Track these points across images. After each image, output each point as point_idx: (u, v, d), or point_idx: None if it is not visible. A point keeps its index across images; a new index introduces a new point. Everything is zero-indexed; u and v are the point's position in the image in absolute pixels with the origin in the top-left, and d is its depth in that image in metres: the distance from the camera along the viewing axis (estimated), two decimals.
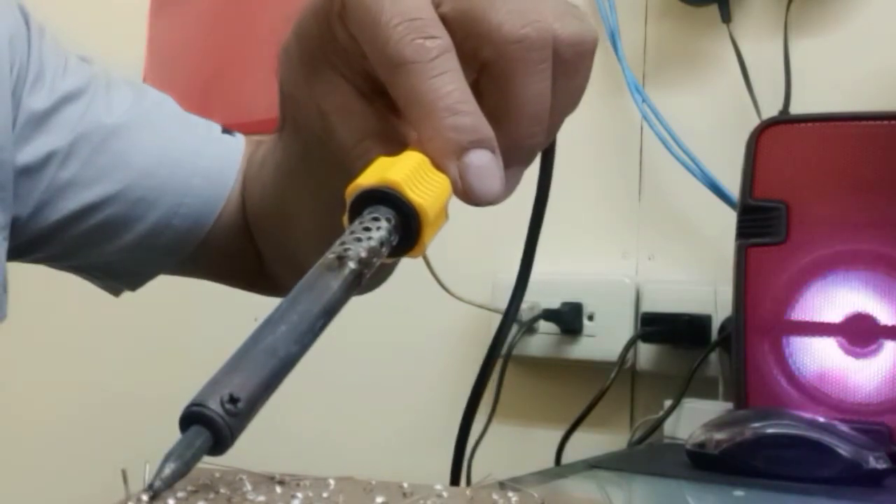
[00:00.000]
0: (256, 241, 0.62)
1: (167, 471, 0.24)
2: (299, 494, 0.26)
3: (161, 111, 0.63)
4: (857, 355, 0.76)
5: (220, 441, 0.24)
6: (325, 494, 0.27)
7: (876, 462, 0.64)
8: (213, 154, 0.62)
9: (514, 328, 1.01)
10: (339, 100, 0.37)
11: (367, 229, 0.28)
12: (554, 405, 1.04)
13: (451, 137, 0.31)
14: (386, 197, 0.29)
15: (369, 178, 0.30)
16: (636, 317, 1.00)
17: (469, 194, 0.32)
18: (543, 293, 1.02)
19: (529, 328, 1.02)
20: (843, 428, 0.67)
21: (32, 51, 0.58)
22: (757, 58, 0.98)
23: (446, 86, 0.32)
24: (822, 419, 0.68)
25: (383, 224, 0.28)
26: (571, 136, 1.10)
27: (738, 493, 0.60)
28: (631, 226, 1.05)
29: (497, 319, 1.02)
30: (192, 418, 0.24)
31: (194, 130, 0.63)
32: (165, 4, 1.41)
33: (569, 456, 0.95)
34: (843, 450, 0.64)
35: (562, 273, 1.05)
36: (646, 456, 0.84)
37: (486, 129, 0.32)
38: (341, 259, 0.26)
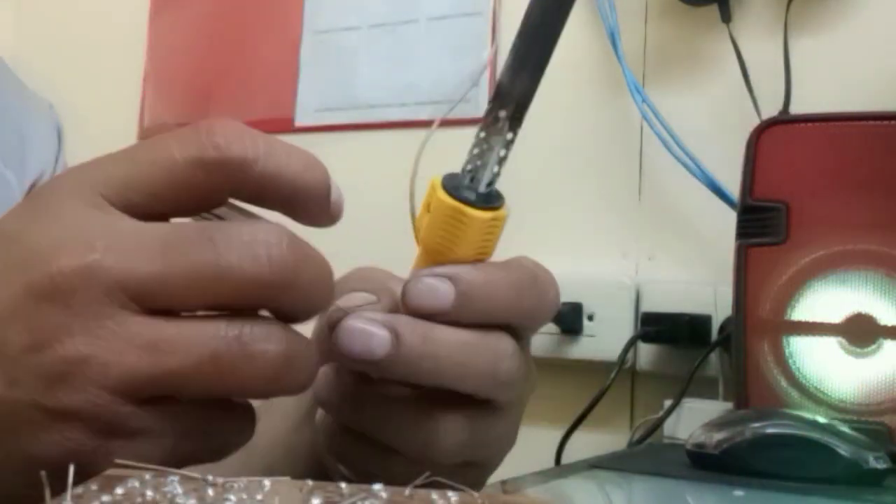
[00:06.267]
0: None
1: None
2: (232, 497, 0.26)
3: None
4: (857, 355, 0.76)
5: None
6: (258, 497, 0.26)
7: (876, 462, 0.64)
8: None
9: None
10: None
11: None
12: (554, 405, 1.04)
13: None
14: None
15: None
16: (636, 317, 1.00)
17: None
18: None
19: None
20: (843, 428, 0.67)
21: (59, 158, 0.65)
22: (757, 58, 0.98)
23: None
24: (822, 419, 0.68)
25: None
26: (571, 136, 1.11)
27: (738, 493, 0.60)
28: (631, 226, 1.05)
29: None
30: None
31: None
32: (165, 5, 1.41)
33: (569, 456, 0.94)
34: (843, 450, 0.64)
35: (562, 273, 1.04)
36: (646, 456, 0.84)
37: None
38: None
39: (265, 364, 0.29)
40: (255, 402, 0.53)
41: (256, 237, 0.29)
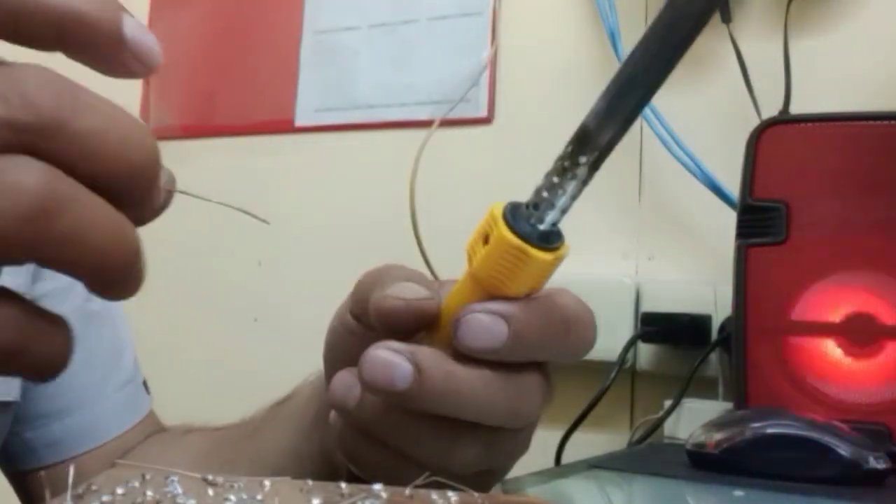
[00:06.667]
0: None
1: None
2: (232, 497, 0.26)
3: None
4: (857, 355, 0.76)
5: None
6: (258, 497, 0.26)
7: (876, 462, 0.64)
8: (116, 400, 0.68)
9: None
10: None
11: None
12: (554, 405, 1.04)
13: None
14: None
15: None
16: (636, 317, 1.00)
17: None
18: None
19: None
20: (843, 428, 0.67)
21: None
22: (757, 58, 0.98)
23: None
24: (822, 419, 0.68)
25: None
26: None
27: (738, 493, 0.60)
28: (631, 226, 1.05)
29: None
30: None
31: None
32: (165, 5, 1.41)
33: (569, 456, 0.94)
34: (843, 450, 0.64)
35: (562, 273, 1.04)
36: (646, 456, 0.84)
37: None
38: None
39: (19, 196, 0.24)
40: (261, 411, 0.53)
41: (11, 76, 0.25)
